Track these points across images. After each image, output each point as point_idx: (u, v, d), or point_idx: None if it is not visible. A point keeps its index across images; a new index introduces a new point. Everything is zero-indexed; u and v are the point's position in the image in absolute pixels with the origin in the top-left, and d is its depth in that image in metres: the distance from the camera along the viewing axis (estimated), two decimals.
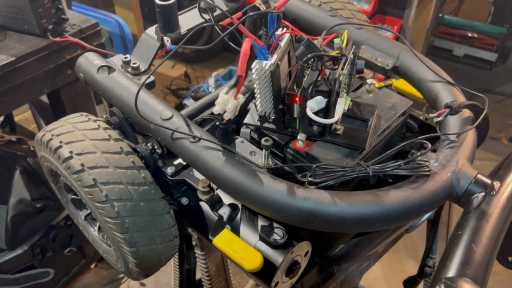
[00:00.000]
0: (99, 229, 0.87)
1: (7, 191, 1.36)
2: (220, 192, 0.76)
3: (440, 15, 3.21)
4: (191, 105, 1.15)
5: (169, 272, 1.47)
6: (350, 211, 0.59)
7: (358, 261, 0.96)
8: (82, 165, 0.68)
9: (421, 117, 0.91)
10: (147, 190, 0.71)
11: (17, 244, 1.40)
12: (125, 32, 2.10)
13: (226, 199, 0.77)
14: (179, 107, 2.78)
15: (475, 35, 3.23)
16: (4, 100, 1.33)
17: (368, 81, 0.83)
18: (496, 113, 2.93)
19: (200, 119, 0.78)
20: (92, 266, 1.94)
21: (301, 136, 0.70)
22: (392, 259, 2.19)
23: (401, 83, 0.93)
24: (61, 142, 0.71)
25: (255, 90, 0.69)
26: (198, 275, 1.39)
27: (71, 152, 0.69)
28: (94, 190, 0.68)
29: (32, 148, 1.52)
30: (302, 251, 0.72)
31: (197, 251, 1.29)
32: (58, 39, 1.36)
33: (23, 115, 2.62)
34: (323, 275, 0.86)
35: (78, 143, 0.71)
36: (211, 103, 1.17)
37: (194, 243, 1.26)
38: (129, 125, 0.82)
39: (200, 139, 0.68)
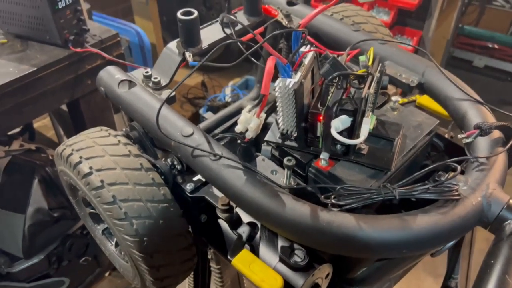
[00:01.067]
0: (116, 244, 0.86)
1: (25, 200, 1.37)
2: (239, 210, 0.75)
3: (460, 25, 3.16)
4: (209, 117, 1.14)
5: (183, 284, 1.46)
6: (376, 237, 0.57)
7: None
8: (102, 181, 0.68)
9: (446, 135, 0.89)
10: (167, 208, 0.70)
11: (33, 253, 1.41)
12: (144, 41, 2.11)
13: (245, 217, 0.75)
14: (196, 116, 2.78)
15: (495, 46, 3.17)
16: (25, 110, 1.34)
17: (393, 98, 0.81)
18: None
19: (221, 135, 0.76)
20: (106, 274, 1.94)
21: (324, 155, 0.68)
22: (409, 276, 2.13)
23: (425, 100, 0.91)
24: (81, 157, 0.71)
25: (278, 108, 0.68)
26: (212, 286, 1.37)
27: (91, 168, 0.69)
28: (113, 207, 0.67)
29: (50, 157, 1.53)
30: (323, 274, 0.70)
31: (213, 264, 1.27)
32: (79, 49, 1.37)
33: (42, 122, 2.66)
34: None
35: (98, 158, 0.70)
36: (230, 116, 1.16)
37: (209, 256, 1.24)
38: (149, 140, 0.81)
39: (221, 157, 0.67)
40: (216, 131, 1.11)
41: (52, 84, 1.36)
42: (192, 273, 1.28)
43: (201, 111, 2.70)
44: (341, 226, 0.58)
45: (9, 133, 1.59)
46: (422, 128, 0.76)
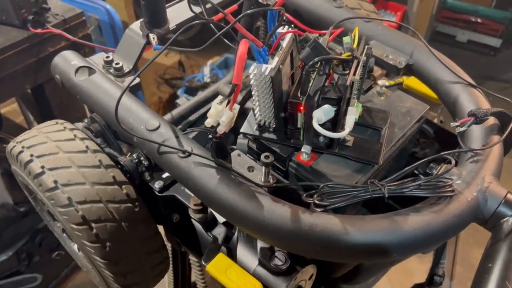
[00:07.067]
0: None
1: None
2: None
3: None
4: (183, 103, 1.07)
5: (163, 279, 1.40)
6: (364, 241, 0.51)
7: None
8: (55, 181, 0.60)
9: (435, 120, 0.83)
10: (130, 208, 0.63)
11: (1, 250, 1.33)
12: (114, 20, 1.98)
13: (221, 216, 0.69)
14: (174, 97, 2.68)
15: (478, 20, 3.12)
16: None
17: (380, 82, 0.74)
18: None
19: (189, 130, 0.69)
20: None
21: (305, 149, 0.62)
22: None
23: (412, 81, 0.85)
24: (32, 155, 0.62)
25: (253, 98, 0.61)
26: (193, 277, 1.33)
27: (42, 167, 0.61)
28: (69, 210, 0.59)
29: None
30: (306, 276, 0.64)
31: (193, 258, 1.22)
32: (39, 30, 1.26)
33: (11, 107, 2.52)
34: None
35: (50, 156, 0.62)
36: (206, 101, 1.08)
37: None
38: (112, 133, 0.73)
39: (190, 153, 0.60)
40: (191, 118, 1.04)
41: (11, 69, 1.25)
42: (172, 267, 1.22)
43: (178, 92, 2.59)
44: (325, 230, 0.52)
45: None
46: (411, 115, 0.70)
